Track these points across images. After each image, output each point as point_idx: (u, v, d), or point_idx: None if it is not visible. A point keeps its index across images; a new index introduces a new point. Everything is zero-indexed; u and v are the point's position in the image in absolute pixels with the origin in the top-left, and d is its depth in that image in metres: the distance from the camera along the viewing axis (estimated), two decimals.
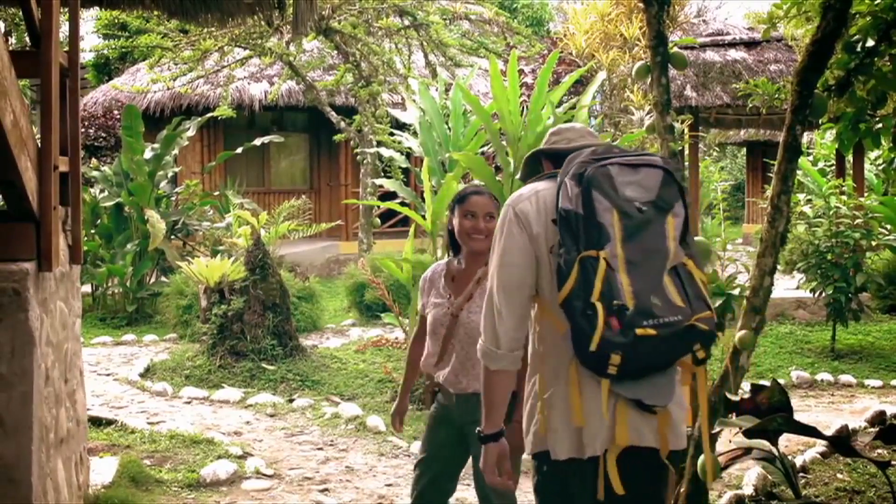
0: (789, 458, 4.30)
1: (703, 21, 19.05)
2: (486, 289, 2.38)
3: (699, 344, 2.13)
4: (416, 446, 4.24)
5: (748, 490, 4.35)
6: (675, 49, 3.60)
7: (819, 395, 7.15)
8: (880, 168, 12.17)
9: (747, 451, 3.69)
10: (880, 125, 4.08)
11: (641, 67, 3.65)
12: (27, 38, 6.51)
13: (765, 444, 3.66)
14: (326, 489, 4.89)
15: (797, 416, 3.65)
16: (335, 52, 13.07)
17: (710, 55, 10.72)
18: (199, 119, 11.81)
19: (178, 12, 5.19)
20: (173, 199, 12.58)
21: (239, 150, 12.53)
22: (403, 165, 10.23)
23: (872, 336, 8.96)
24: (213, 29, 10.49)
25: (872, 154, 11.58)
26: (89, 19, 16.40)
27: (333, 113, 13.33)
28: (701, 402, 2.29)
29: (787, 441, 5.08)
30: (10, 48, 4.42)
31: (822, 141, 12.28)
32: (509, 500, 3.12)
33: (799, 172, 9.37)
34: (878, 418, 5.82)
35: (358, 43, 12.34)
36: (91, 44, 17.14)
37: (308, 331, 9.48)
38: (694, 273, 2.18)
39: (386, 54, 12.89)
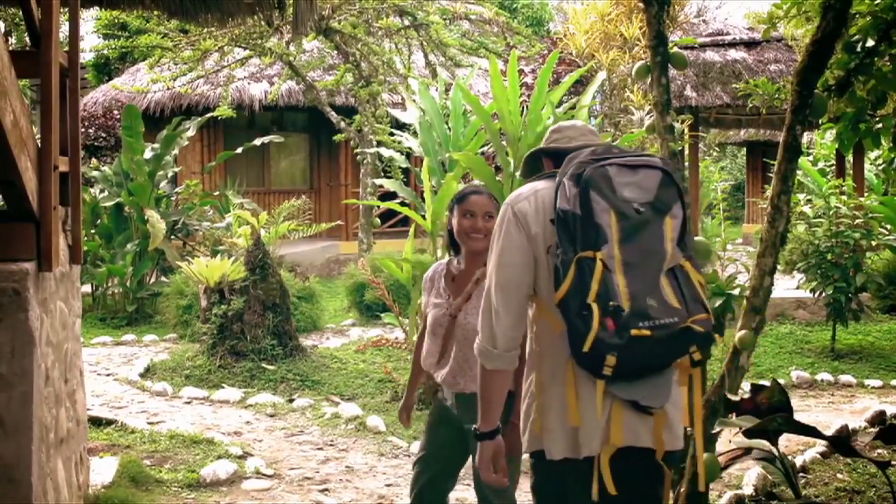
0: (789, 458, 4.31)
1: (703, 21, 19.04)
2: (484, 289, 2.39)
3: (695, 346, 2.13)
4: (416, 446, 4.23)
5: (748, 490, 4.35)
6: (675, 49, 3.60)
7: (819, 395, 7.15)
8: (880, 168, 12.17)
9: (747, 451, 3.70)
10: (880, 125, 4.08)
11: (641, 67, 3.65)
12: (27, 38, 6.51)
13: (765, 444, 3.66)
14: (326, 489, 4.89)
15: (797, 416, 3.66)
16: (335, 52, 13.07)
17: (710, 55, 10.72)
18: (199, 119, 11.81)
19: (178, 12, 5.19)
20: (173, 199, 12.58)
21: (239, 150, 12.53)
22: (403, 165, 10.23)
23: (872, 336, 8.96)
24: (213, 29, 10.50)
25: (872, 154, 11.58)
26: (89, 19, 16.42)
27: (333, 113, 13.33)
28: (696, 404, 2.28)
29: (787, 441, 5.08)
30: (10, 48, 4.42)
31: (822, 141, 12.28)
32: (508, 500, 3.12)
33: (799, 172, 9.37)
34: (878, 418, 5.82)
35: (358, 43, 12.35)
36: (91, 44, 17.15)
37: (308, 331, 9.48)
38: (691, 275, 2.18)
39: (386, 54, 12.89)
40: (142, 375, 7.51)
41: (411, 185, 12.06)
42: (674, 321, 2.09)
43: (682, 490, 3.35)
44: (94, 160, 13.72)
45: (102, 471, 4.71)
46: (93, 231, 10.79)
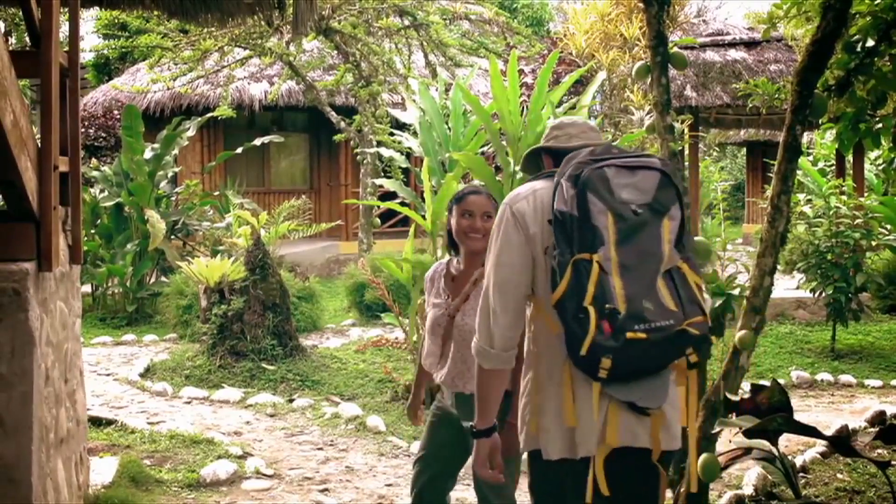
0: (789, 458, 4.31)
1: (703, 21, 19.05)
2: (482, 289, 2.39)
3: (691, 348, 2.13)
4: (416, 446, 4.24)
5: (748, 490, 4.35)
6: (675, 49, 3.60)
7: (819, 395, 7.15)
8: (880, 168, 12.17)
9: (747, 451, 3.70)
10: (880, 125, 4.08)
11: (641, 67, 3.65)
12: (27, 38, 6.51)
13: (765, 444, 3.66)
14: (326, 489, 4.89)
15: (797, 416, 3.66)
16: (335, 52, 13.07)
17: (710, 55, 10.73)
18: (199, 119, 11.81)
19: (178, 12, 5.19)
20: (173, 199, 12.58)
21: (239, 150, 12.53)
22: (403, 165, 10.23)
23: (872, 336, 8.96)
24: (213, 29, 10.50)
25: (872, 154, 11.58)
26: (89, 19, 16.42)
27: (333, 113, 13.33)
28: (690, 406, 2.28)
29: (787, 441, 5.08)
30: (10, 48, 4.42)
31: (822, 141, 12.28)
32: (508, 500, 3.12)
33: (799, 172, 9.37)
34: (878, 418, 5.82)
35: (358, 43, 12.34)
36: (91, 44, 17.16)
37: (308, 331, 9.48)
38: (688, 276, 2.17)
39: (386, 54, 12.89)
40: (142, 375, 7.51)
41: (411, 185, 12.06)
42: (669, 324, 2.08)
43: (682, 490, 3.35)
44: (94, 160, 13.72)
45: (102, 471, 4.71)
46: (93, 231, 10.79)
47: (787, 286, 9.87)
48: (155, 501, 4.53)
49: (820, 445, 5.02)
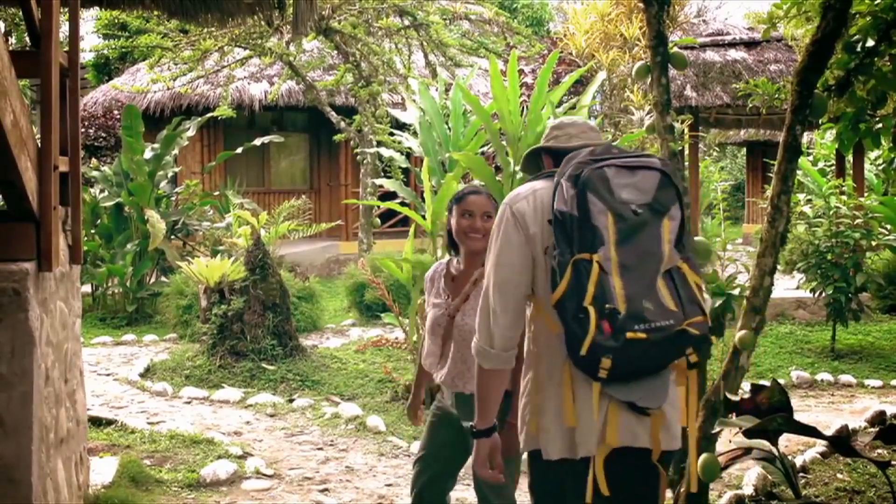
0: (789, 458, 4.31)
1: (703, 21, 19.04)
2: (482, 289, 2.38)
3: (691, 348, 2.13)
4: (416, 446, 4.24)
5: (748, 490, 4.35)
6: (675, 49, 3.60)
7: (819, 395, 7.15)
8: (880, 168, 12.18)
9: (747, 451, 3.70)
10: (880, 125, 4.08)
11: (641, 67, 3.65)
12: (27, 38, 6.51)
13: (765, 444, 3.66)
14: (326, 489, 4.89)
15: (797, 416, 3.66)
16: (335, 52, 13.07)
17: (710, 55, 10.73)
18: (199, 119, 11.81)
19: (178, 12, 5.19)
20: (173, 199, 12.58)
21: (239, 150, 12.53)
22: (403, 165, 10.23)
23: (872, 336, 8.96)
24: (213, 29, 10.50)
25: (872, 154, 11.58)
26: (89, 19, 16.41)
27: (333, 113, 13.33)
28: (690, 406, 2.28)
29: (787, 441, 5.08)
30: (10, 48, 4.42)
31: (822, 141, 12.28)
32: (508, 500, 3.12)
33: (799, 172, 9.37)
34: (878, 418, 5.82)
35: (358, 43, 12.34)
36: (91, 44, 17.13)
37: (308, 331, 9.48)
38: (688, 276, 2.17)
39: (386, 54, 12.89)
40: (142, 375, 7.51)
41: (411, 185, 12.05)
42: (669, 324, 2.08)
43: (682, 490, 3.35)
44: (94, 160, 13.72)
45: (102, 471, 4.71)
46: (93, 231, 10.79)
47: (787, 286, 9.87)
48: (155, 501, 4.53)
49: (820, 445, 5.02)
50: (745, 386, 3.61)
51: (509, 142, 6.80)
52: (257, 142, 12.79)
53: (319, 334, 9.65)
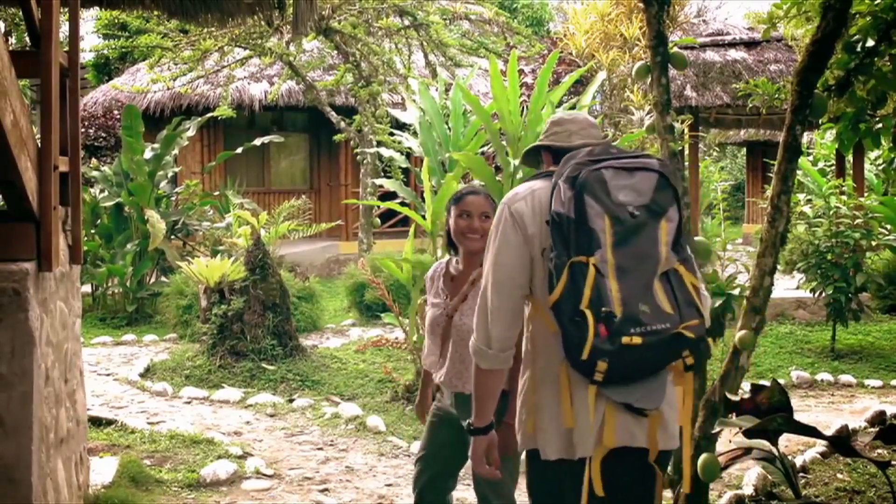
0: (789, 458, 4.30)
1: (703, 21, 19.04)
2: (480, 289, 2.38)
3: (687, 351, 2.13)
4: (416, 446, 4.25)
5: (748, 490, 4.35)
6: (675, 49, 3.60)
7: (819, 395, 7.15)
8: (880, 168, 12.18)
9: (747, 451, 3.70)
10: (880, 125, 4.09)
11: (641, 67, 3.65)
12: (27, 38, 6.51)
13: (765, 444, 3.66)
14: (326, 489, 4.89)
15: (797, 416, 3.65)
16: (335, 52, 13.07)
17: (710, 55, 10.73)
18: (199, 119, 11.81)
19: (178, 12, 5.19)
20: (173, 199, 12.58)
21: (239, 150, 12.53)
22: (403, 165, 10.23)
23: (872, 336, 8.96)
24: (213, 29, 10.50)
25: (872, 154, 11.58)
26: (89, 19, 16.41)
27: (333, 113, 13.33)
28: (685, 409, 2.28)
29: (787, 441, 5.08)
30: (10, 48, 4.42)
31: (822, 141, 12.28)
32: (508, 499, 3.12)
33: (799, 172, 9.37)
34: (878, 418, 5.82)
35: (358, 43, 12.34)
36: (91, 44, 17.14)
37: (308, 331, 9.48)
38: (685, 278, 2.16)
39: (386, 54, 12.89)
40: (142, 375, 7.51)
41: (411, 185, 12.06)
42: (665, 327, 2.08)
43: (682, 490, 3.35)
44: (94, 160, 13.72)
45: (102, 471, 4.71)
46: (93, 231, 10.79)
47: (787, 286, 9.87)
48: (155, 501, 4.53)
49: (820, 445, 5.02)
50: (745, 386, 3.61)
51: (509, 142, 6.80)
52: (257, 142, 12.79)
53: (319, 334, 9.65)
